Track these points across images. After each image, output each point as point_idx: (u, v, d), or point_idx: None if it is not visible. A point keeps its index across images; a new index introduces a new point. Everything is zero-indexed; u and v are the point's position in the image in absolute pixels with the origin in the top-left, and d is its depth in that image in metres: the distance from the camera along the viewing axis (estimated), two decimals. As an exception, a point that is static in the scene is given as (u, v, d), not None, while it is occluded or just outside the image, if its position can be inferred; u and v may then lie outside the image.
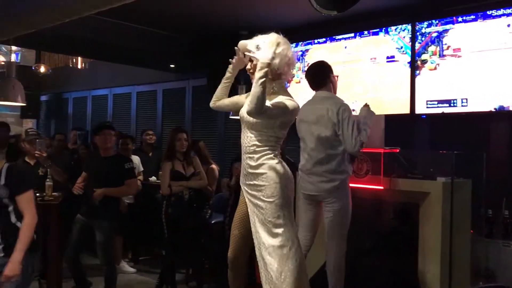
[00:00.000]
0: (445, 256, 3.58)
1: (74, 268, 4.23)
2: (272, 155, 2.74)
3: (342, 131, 3.37)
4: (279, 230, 2.65)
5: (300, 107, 3.17)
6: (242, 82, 4.84)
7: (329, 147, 3.44)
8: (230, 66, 2.96)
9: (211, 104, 3.06)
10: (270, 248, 2.64)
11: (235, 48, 2.82)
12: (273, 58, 2.63)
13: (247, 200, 2.80)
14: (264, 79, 2.51)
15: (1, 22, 3.37)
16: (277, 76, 2.76)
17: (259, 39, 2.74)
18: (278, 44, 2.70)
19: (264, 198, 2.69)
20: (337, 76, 3.77)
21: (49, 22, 3.21)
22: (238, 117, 2.91)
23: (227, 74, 3.00)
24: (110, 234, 4.18)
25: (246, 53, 2.76)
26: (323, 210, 3.53)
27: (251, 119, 2.70)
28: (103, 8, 2.90)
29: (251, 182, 2.76)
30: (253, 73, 2.71)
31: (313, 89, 3.67)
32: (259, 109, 2.53)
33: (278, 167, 2.73)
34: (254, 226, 2.72)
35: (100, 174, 4.16)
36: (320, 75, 3.63)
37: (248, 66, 2.82)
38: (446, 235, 3.60)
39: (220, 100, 3.02)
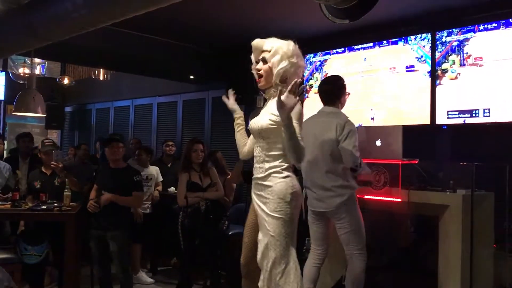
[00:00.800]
0: (465, 272, 3.47)
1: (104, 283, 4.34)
2: (280, 169, 2.67)
3: (342, 145, 3.34)
4: (279, 247, 2.60)
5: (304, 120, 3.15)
6: (260, 93, 4.81)
7: (335, 161, 3.39)
8: (237, 116, 3.00)
9: (242, 157, 3.03)
10: (269, 260, 2.62)
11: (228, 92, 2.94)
12: (289, 66, 2.65)
13: (256, 208, 2.76)
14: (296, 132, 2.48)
15: (17, 35, 3.43)
16: (284, 81, 2.70)
17: (274, 42, 2.72)
18: (293, 56, 2.69)
19: (267, 211, 2.64)
20: (349, 94, 3.75)
21: (64, 34, 3.25)
22: None
23: (237, 121, 3.00)
24: (124, 243, 4.23)
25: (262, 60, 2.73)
26: (335, 227, 3.47)
27: (262, 127, 2.67)
28: (116, 20, 2.92)
29: (259, 192, 2.73)
30: (261, 77, 2.72)
31: (324, 104, 3.64)
32: (303, 156, 2.55)
33: (287, 181, 2.66)
34: (260, 235, 2.71)
35: (108, 186, 4.23)
36: (332, 94, 3.60)
37: (259, 66, 2.74)
38: (466, 250, 3.48)
39: (245, 146, 2.99)
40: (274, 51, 2.65)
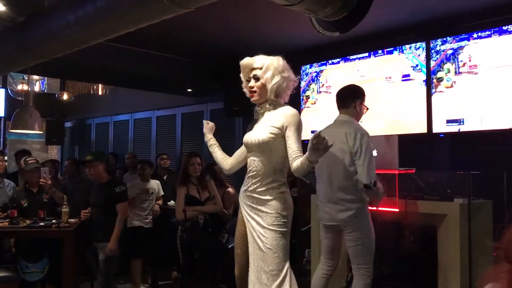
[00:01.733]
0: (465, 281, 3.44)
1: None
2: (278, 184, 2.71)
3: (357, 161, 3.26)
4: (276, 259, 2.61)
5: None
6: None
7: (347, 173, 3.31)
8: (208, 138, 3.10)
9: (227, 171, 3.09)
10: (266, 273, 2.61)
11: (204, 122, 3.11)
12: (282, 81, 2.72)
13: (246, 219, 2.76)
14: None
15: (13, 53, 3.45)
16: (278, 96, 2.76)
17: (264, 59, 2.76)
18: (284, 70, 2.75)
19: (264, 225, 2.65)
20: (367, 109, 3.67)
21: (57, 52, 3.27)
22: None
23: (210, 142, 3.09)
24: (110, 256, 4.25)
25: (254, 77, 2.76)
26: (345, 239, 3.42)
27: (263, 140, 2.69)
28: (108, 37, 2.94)
29: (253, 205, 2.73)
30: (254, 92, 2.74)
31: (338, 109, 3.59)
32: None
33: (285, 196, 2.72)
34: (251, 247, 2.70)
35: (94, 201, 4.41)
36: (346, 97, 3.55)
37: (252, 84, 2.76)
38: (465, 259, 3.46)
39: (228, 160, 3.03)
40: (265, 68, 2.70)
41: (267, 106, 2.78)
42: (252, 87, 2.75)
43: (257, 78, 2.74)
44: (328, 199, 3.41)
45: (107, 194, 4.29)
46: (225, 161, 3.03)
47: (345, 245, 3.39)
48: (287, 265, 2.66)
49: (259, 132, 2.74)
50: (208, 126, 3.16)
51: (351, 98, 3.54)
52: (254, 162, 2.76)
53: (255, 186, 2.73)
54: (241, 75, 2.85)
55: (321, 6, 2.41)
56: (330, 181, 3.39)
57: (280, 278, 2.61)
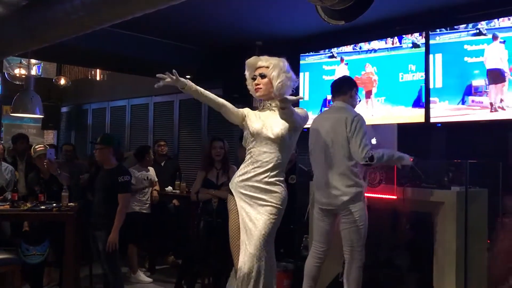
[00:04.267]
0: (460, 267, 3.52)
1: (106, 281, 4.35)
2: (283, 178, 2.93)
3: (351, 140, 3.38)
4: (265, 245, 2.77)
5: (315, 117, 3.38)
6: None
7: (344, 158, 3.42)
8: (186, 85, 2.95)
9: (219, 108, 3.00)
10: (250, 256, 2.74)
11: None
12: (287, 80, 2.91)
13: (239, 207, 2.86)
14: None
15: (15, 37, 3.45)
16: (281, 94, 2.86)
17: (270, 59, 2.94)
18: (287, 71, 2.95)
19: (265, 213, 2.81)
20: (360, 100, 3.83)
21: (62, 36, 3.28)
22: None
23: (193, 87, 2.97)
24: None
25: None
26: (340, 222, 3.51)
27: (282, 135, 2.83)
28: (114, 22, 2.96)
29: (254, 194, 2.85)
30: (260, 89, 2.89)
31: (333, 99, 3.70)
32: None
33: (285, 190, 2.93)
34: (243, 234, 2.81)
35: (97, 187, 4.30)
36: (342, 84, 3.68)
37: (258, 81, 2.91)
38: (461, 246, 3.54)
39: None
40: (272, 67, 2.89)
41: (273, 103, 2.93)
42: (258, 84, 2.91)
43: (263, 76, 2.90)
44: (326, 183, 3.48)
45: (110, 181, 4.18)
46: (221, 100, 2.98)
47: (340, 228, 3.49)
48: (265, 254, 2.78)
49: (275, 127, 2.85)
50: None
51: (346, 86, 3.66)
52: (263, 154, 2.87)
53: (262, 176, 2.85)
54: (246, 73, 3.00)
55: (329, -5, 2.45)
56: (328, 166, 3.47)
57: (262, 262, 2.76)
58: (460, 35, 4.26)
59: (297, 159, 4.77)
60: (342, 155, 3.43)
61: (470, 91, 4.17)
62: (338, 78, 3.85)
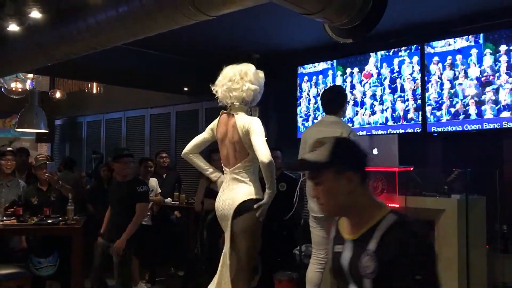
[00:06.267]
0: (462, 272, 3.64)
1: None
2: None
3: None
4: None
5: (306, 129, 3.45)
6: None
7: None
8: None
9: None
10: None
11: None
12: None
13: None
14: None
15: (28, 53, 3.51)
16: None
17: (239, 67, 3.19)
18: (261, 77, 3.13)
19: None
20: (349, 102, 3.92)
21: (73, 54, 3.35)
22: None
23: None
24: (126, 257, 4.22)
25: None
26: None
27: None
28: (128, 41, 3.04)
29: None
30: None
31: (326, 111, 3.79)
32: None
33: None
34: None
35: (114, 199, 4.31)
36: (335, 103, 3.76)
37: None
38: (462, 251, 3.66)
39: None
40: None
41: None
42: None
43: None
44: None
45: (128, 192, 4.22)
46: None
47: None
48: None
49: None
50: None
51: (341, 99, 3.78)
52: None
53: None
54: None
55: (338, 15, 2.56)
56: None
57: None
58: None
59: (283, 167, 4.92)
60: None
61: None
62: (328, 92, 3.91)
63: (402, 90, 4.77)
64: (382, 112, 4.89)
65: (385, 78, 4.90)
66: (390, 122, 4.82)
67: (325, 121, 3.75)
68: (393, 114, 4.81)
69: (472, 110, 4.28)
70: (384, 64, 4.92)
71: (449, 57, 4.44)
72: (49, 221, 4.38)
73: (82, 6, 3.00)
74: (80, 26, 3.04)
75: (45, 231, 4.39)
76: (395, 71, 4.83)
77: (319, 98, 5.23)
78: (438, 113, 4.51)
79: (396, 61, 4.83)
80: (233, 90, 3.00)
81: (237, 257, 2.98)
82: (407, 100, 4.72)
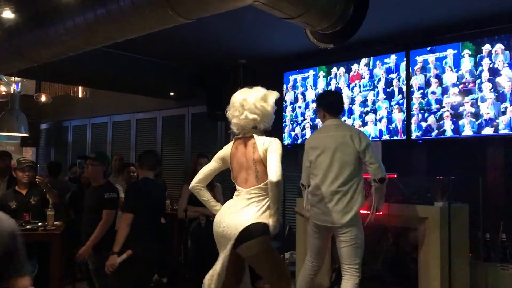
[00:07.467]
0: (444, 280, 3.63)
1: None
2: None
3: (368, 159, 3.39)
4: None
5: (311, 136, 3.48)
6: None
7: (350, 174, 3.41)
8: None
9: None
10: None
11: None
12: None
13: None
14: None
15: (5, 55, 3.46)
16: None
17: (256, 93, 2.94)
18: (268, 103, 2.95)
19: None
20: None
21: (53, 57, 3.30)
22: None
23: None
24: (99, 263, 4.00)
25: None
26: (337, 240, 3.46)
27: None
28: (107, 43, 3.00)
29: None
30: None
31: (332, 116, 3.65)
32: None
33: None
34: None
35: (86, 205, 4.20)
36: (338, 105, 3.72)
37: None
38: (445, 259, 3.65)
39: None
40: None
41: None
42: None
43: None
44: (329, 200, 3.43)
45: (97, 198, 4.10)
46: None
47: (337, 245, 3.46)
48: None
49: None
50: None
51: (342, 104, 3.77)
52: None
53: None
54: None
55: (319, 20, 2.54)
56: (331, 183, 3.44)
57: None
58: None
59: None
60: (350, 173, 3.41)
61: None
62: (329, 95, 3.88)
63: (388, 96, 4.76)
64: (368, 118, 4.89)
65: (372, 83, 4.90)
66: (376, 129, 4.81)
67: (330, 125, 3.61)
68: (378, 119, 4.81)
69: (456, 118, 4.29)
70: (370, 70, 4.92)
71: (433, 65, 4.46)
72: (28, 226, 4.29)
73: (61, 9, 2.95)
74: (59, 29, 2.99)
75: (24, 237, 4.28)
76: (381, 77, 4.83)
77: (312, 104, 5.26)
78: (422, 121, 4.51)
79: (382, 66, 4.83)
80: (234, 117, 2.93)
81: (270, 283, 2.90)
82: (393, 106, 4.72)
